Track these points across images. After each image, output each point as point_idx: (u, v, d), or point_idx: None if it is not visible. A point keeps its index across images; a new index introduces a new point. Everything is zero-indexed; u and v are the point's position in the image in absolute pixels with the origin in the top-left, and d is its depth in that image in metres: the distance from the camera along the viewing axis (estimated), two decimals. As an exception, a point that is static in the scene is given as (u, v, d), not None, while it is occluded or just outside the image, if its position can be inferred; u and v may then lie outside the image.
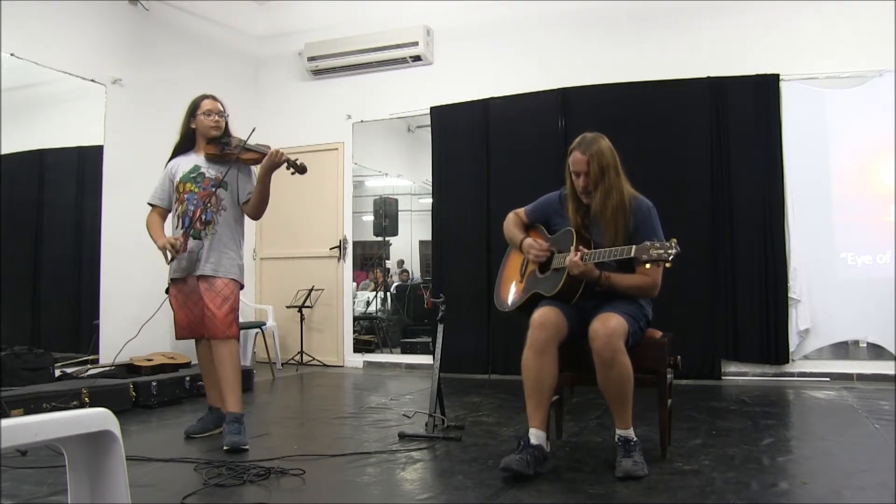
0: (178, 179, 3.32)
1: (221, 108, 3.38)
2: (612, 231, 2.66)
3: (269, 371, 5.84)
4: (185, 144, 3.40)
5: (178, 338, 3.42)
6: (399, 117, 6.44)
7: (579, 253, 2.57)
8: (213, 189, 3.27)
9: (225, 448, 3.05)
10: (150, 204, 3.41)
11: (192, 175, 3.30)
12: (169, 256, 3.20)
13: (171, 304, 3.37)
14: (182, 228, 3.26)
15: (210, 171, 3.31)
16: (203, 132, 3.35)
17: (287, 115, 6.76)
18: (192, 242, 3.25)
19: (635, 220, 2.70)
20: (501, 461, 2.51)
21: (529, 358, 2.60)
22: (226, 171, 3.28)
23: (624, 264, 2.65)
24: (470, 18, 6.15)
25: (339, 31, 6.46)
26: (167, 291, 3.38)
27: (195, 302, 3.27)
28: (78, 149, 5.30)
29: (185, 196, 3.29)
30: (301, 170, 3.27)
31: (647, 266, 2.47)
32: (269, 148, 3.31)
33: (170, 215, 3.40)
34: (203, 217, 3.26)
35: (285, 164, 3.24)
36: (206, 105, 3.35)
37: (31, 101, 5.03)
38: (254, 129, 3.34)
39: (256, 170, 3.37)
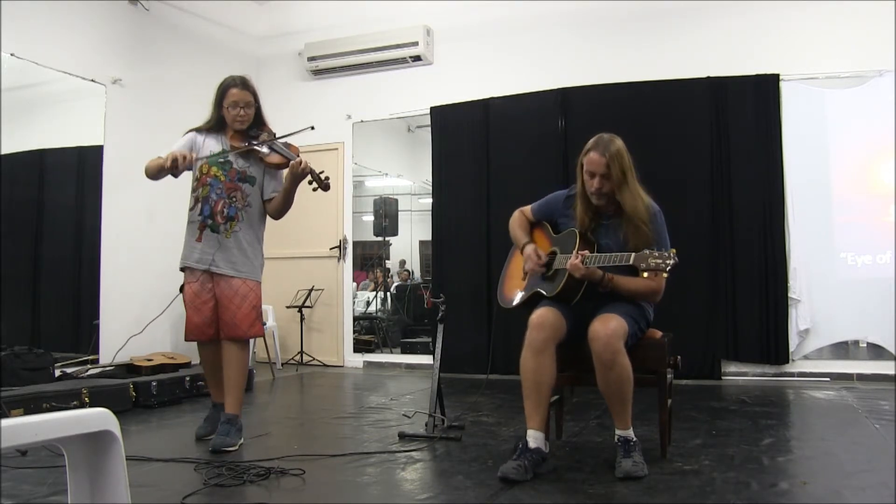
0: (203, 156, 3.15)
1: (251, 98, 3.18)
2: (644, 232, 2.63)
3: (269, 371, 5.83)
4: (215, 126, 3.21)
5: (186, 339, 3.27)
6: (399, 117, 6.44)
7: (580, 256, 2.57)
8: (240, 183, 3.14)
9: (210, 449, 3.03)
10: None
11: (220, 160, 3.15)
12: (169, 165, 2.96)
13: (184, 302, 3.23)
14: (200, 216, 3.12)
15: (238, 162, 3.16)
16: (229, 124, 3.18)
17: (287, 115, 6.73)
18: (209, 235, 3.12)
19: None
20: (499, 469, 2.51)
21: (528, 358, 2.60)
22: (252, 165, 3.16)
23: (629, 268, 2.66)
24: (470, 18, 6.16)
25: (339, 31, 6.46)
26: (181, 290, 3.24)
27: (204, 301, 3.15)
28: (78, 149, 5.30)
29: (209, 180, 3.12)
30: (324, 187, 3.08)
31: (646, 275, 2.46)
32: (297, 153, 3.17)
33: (189, 193, 3.23)
34: (225, 212, 3.12)
35: (308, 178, 3.08)
36: (232, 96, 3.14)
37: (31, 101, 5.03)
38: (306, 129, 3.15)
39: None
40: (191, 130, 3.25)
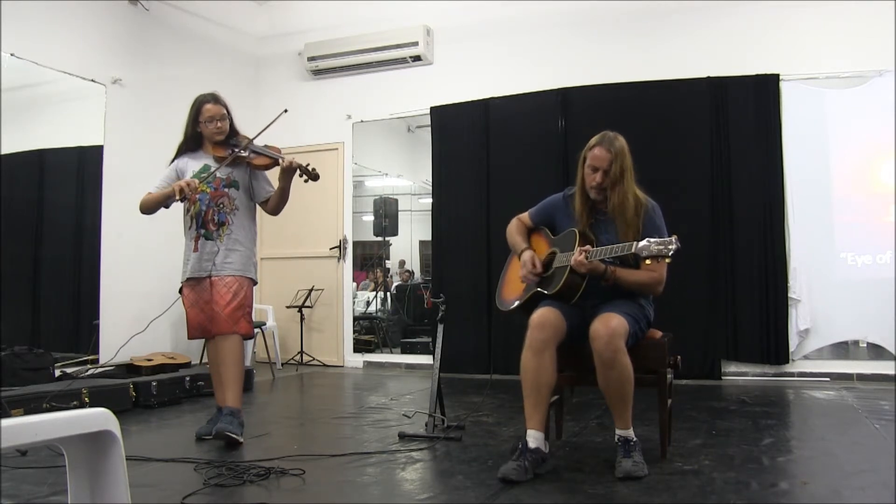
0: (188, 177, 3.29)
1: (224, 111, 3.35)
2: (632, 231, 2.67)
3: (269, 371, 5.84)
4: (192, 145, 3.38)
5: (190, 337, 3.42)
6: (399, 117, 6.44)
7: (583, 252, 2.58)
8: (225, 189, 3.29)
9: (213, 433, 3.11)
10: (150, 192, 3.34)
11: (203, 175, 3.29)
12: (178, 196, 3.13)
13: (183, 304, 3.36)
14: (196, 229, 3.27)
15: (222, 172, 3.31)
16: (208, 138, 3.35)
17: (287, 115, 6.73)
18: (204, 243, 3.26)
19: (643, 219, 2.72)
20: (499, 470, 2.51)
21: (528, 358, 2.60)
22: (234, 170, 3.33)
23: (630, 264, 2.66)
24: (470, 18, 6.15)
25: (339, 31, 6.46)
26: (180, 291, 3.37)
27: (206, 301, 3.27)
28: (78, 149, 5.30)
29: (198, 196, 3.26)
30: (314, 177, 3.30)
31: (649, 262, 2.48)
32: (279, 152, 3.35)
33: (182, 215, 3.39)
34: (216, 218, 3.27)
35: (298, 171, 3.27)
36: (208, 112, 3.31)
37: (31, 101, 5.03)
38: (264, 129, 3.33)
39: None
40: (172, 161, 3.40)
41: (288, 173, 3.27)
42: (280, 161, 3.28)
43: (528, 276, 2.80)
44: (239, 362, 3.26)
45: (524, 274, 2.82)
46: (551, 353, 2.60)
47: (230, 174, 3.32)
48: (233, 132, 3.40)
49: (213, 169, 3.29)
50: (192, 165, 3.34)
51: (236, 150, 3.30)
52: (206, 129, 3.33)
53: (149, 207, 3.29)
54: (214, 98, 3.36)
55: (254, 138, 3.35)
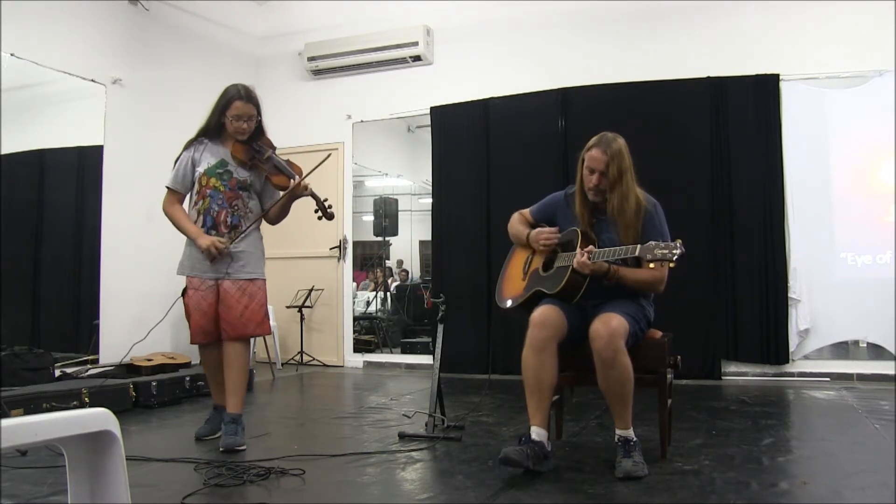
0: (202, 169, 3.18)
1: (254, 112, 3.19)
2: (632, 232, 2.67)
3: (269, 371, 5.84)
4: (212, 134, 3.23)
5: (192, 342, 3.29)
6: (399, 117, 6.44)
7: (585, 253, 2.57)
8: (240, 192, 3.21)
9: (221, 449, 3.06)
10: (170, 188, 3.23)
11: (219, 171, 3.19)
12: (210, 259, 3.09)
13: (185, 306, 3.26)
14: (203, 227, 3.17)
15: (239, 173, 3.21)
16: (230, 134, 3.22)
17: (287, 115, 6.76)
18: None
19: (643, 220, 2.71)
20: (501, 452, 2.51)
21: (529, 357, 2.61)
22: (251, 174, 3.24)
23: (630, 263, 2.67)
24: (470, 18, 6.16)
25: (339, 31, 6.46)
26: (183, 294, 3.27)
27: (210, 304, 3.18)
28: (78, 149, 5.30)
29: (209, 192, 3.17)
30: (328, 216, 3.25)
31: (652, 266, 2.47)
32: (300, 172, 3.26)
33: (187, 205, 3.28)
34: (229, 220, 3.18)
35: (314, 208, 3.23)
36: (236, 108, 3.14)
37: (31, 101, 5.02)
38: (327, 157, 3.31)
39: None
40: (186, 147, 3.26)
41: (296, 196, 3.20)
42: (294, 182, 3.18)
43: (552, 237, 2.80)
44: (244, 367, 3.22)
45: (545, 239, 2.81)
46: (552, 352, 2.60)
47: (247, 177, 3.23)
48: (258, 133, 3.26)
49: (230, 167, 3.20)
50: (208, 157, 3.20)
51: (257, 158, 3.22)
52: (231, 125, 3.17)
53: (172, 222, 3.22)
54: (247, 95, 3.17)
55: (279, 158, 3.27)
